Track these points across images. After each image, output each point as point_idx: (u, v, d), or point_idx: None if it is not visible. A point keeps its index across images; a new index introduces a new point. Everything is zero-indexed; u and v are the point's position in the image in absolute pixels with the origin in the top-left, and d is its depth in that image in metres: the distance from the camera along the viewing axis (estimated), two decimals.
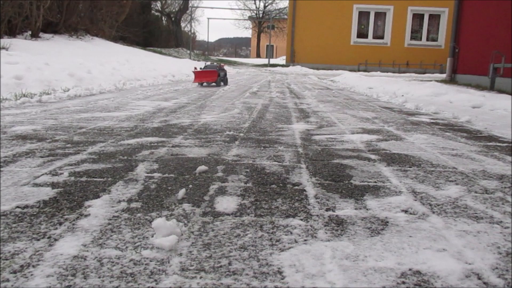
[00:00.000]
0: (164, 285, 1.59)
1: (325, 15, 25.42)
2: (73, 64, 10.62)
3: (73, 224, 2.10)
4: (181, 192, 2.58)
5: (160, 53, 26.92)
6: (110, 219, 2.18)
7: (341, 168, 3.34)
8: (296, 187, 2.81)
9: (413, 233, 2.10)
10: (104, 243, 1.91)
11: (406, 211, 2.41)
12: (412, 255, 1.87)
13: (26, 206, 2.33)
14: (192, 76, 12.80)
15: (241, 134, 4.67)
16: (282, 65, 28.18)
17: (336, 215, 2.31)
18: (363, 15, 25.88)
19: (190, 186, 2.77)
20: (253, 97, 9.39)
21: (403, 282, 1.65)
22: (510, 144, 4.58)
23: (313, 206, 2.45)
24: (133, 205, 2.40)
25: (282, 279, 1.64)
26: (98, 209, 2.30)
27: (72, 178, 2.87)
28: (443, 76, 16.74)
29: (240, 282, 1.62)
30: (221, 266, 1.73)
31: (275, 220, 2.23)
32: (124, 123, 5.18)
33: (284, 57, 31.45)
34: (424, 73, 22.08)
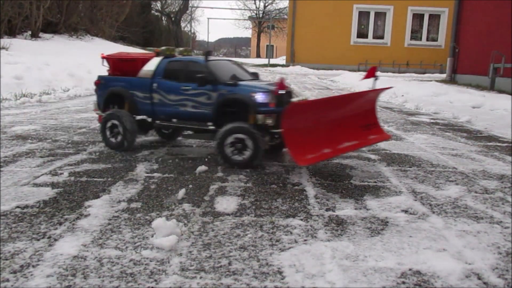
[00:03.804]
0: (164, 285, 1.59)
1: (325, 15, 25.44)
2: (73, 64, 10.60)
3: (73, 224, 2.10)
4: (181, 192, 2.58)
5: None
6: (110, 219, 2.18)
7: (341, 168, 3.35)
8: (296, 187, 2.82)
9: (413, 233, 2.11)
10: (104, 243, 1.91)
11: (406, 211, 2.41)
12: (412, 255, 1.88)
13: (26, 206, 2.33)
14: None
15: None
16: (282, 65, 28.19)
17: (336, 215, 2.32)
18: (363, 15, 25.91)
19: (190, 186, 2.77)
20: None
21: (403, 282, 1.65)
22: (510, 144, 4.58)
23: (313, 206, 2.45)
24: (133, 205, 2.40)
25: (282, 279, 1.64)
26: (98, 209, 2.31)
27: (72, 178, 2.87)
28: (443, 76, 16.77)
29: (240, 282, 1.62)
30: (221, 266, 1.73)
31: (275, 220, 2.23)
32: None
33: (284, 57, 31.48)
34: (424, 73, 22.13)
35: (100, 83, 3.84)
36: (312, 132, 3.07)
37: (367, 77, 3.48)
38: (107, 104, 3.80)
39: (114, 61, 3.92)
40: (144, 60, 3.75)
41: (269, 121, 3.21)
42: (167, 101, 3.53)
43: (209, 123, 3.40)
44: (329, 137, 3.14)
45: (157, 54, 3.75)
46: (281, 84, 3.30)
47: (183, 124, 3.56)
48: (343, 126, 3.25)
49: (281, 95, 3.28)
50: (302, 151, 2.95)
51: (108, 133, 3.66)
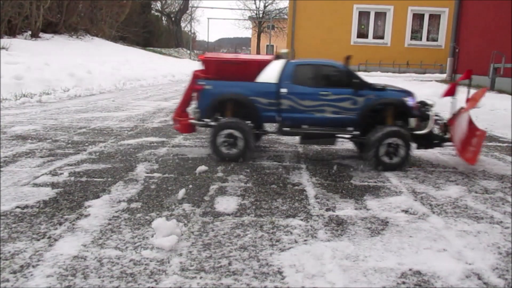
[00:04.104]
0: (164, 285, 1.59)
1: (325, 15, 25.45)
2: (73, 64, 10.61)
3: (73, 224, 2.10)
4: (181, 192, 2.58)
5: (160, 53, 26.93)
6: (110, 219, 2.18)
7: (341, 168, 3.34)
8: (296, 187, 2.81)
9: (413, 233, 2.11)
10: (104, 243, 1.91)
11: (406, 211, 2.41)
12: (412, 255, 1.88)
13: (26, 206, 2.33)
14: None
15: None
16: None
17: (336, 215, 2.32)
18: (363, 15, 25.91)
19: (190, 186, 2.77)
20: None
21: (403, 282, 1.65)
22: (510, 144, 4.58)
23: (313, 206, 2.45)
24: (133, 205, 2.40)
25: (282, 279, 1.64)
26: (98, 209, 2.30)
27: (72, 178, 2.87)
28: (444, 76, 16.74)
29: (240, 282, 1.62)
30: (221, 266, 1.73)
31: (275, 220, 2.23)
32: (124, 123, 5.18)
33: None
34: (424, 73, 22.12)
35: (205, 88, 3.40)
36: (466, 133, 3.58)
37: (463, 78, 3.80)
38: (213, 111, 3.44)
39: (217, 64, 3.53)
40: (260, 63, 3.50)
41: (415, 124, 3.38)
42: (300, 107, 3.35)
43: (350, 128, 3.36)
44: (468, 136, 3.63)
45: (277, 57, 3.56)
46: (452, 88, 3.63)
47: (314, 130, 3.41)
48: (469, 124, 3.83)
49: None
50: (465, 151, 3.38)
51: (220, 143, 3.35)
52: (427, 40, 25.91)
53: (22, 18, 14.87)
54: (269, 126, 4.32)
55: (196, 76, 3.54)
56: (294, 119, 3.38)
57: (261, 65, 3.49)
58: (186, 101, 3.61)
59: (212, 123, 3.39)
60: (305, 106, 3.34)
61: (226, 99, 3.39)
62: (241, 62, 3.56)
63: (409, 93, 3.40)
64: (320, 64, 3.45)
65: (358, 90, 3.29)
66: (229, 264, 1.74)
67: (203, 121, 3.47)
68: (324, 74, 3.38)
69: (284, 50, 3.76)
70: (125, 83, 10.64)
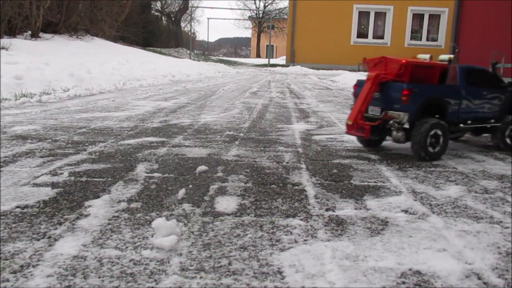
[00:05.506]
0: (164, 285, 1.59)
1: (325, 15, 25.46)
2: (73, 64, 10.61)
3: (73, 224, 2.10)
4: (181, 192, 2.58)
5: (160, 53, 26.91)
6: (110, 219, 2.18)
7: (341, 168, 3.35)
8: (296, 187, 2.82)
9: (413, 233, 2.11)
10: (104, 243, 1.91)
11: (406, 211, 2.41)
12: (412, 255, 1.88)
13: (26, 206, 2.33)
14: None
15: (241, 134, 4.67)
16: (282, 65, 28.20)
17: (336, 215, 2.32)
18: (363, 15, 25.93)
19: (190, 186, 2.77)
20: (253, 97, 9.40)
21: (403, 282, 1.65)
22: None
23: (313, 206, 2.45)
24: (133, 205, 2.40)
25: (282, 279, 1.64)
26: (98, 209, 2.30)
27: (72, 178, 2.87)
28: None
29: (240, 282, 1.62)
30: (221, 266, 1.73)
31: (275, 220, 2.23)
32: (124, 123, 5.18)
33: (284, 57, 31.45)
34: None
35: (413, 91, 3.60)
36: None
37: None
38: (421, 113, 3.67)
39: (413, 67, 3.71)
40: (441, 67, 3.90)
41: None
42: (472, 105, 3.92)
43: (492, 120, 4.09)
44: None
45: (450, 62, 3.94)
46: None
47: (473, 125, 4.04)
48: None
49: None
50: None
51: (428, 141, 3.60)
52: (427, 40, 25.91)
53: (22, 18, 14.87)
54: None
55: (380, 78, 3.70)
56: (465, 117, 3.92)
57: (442, 69, 3.88)
58: (366, 105, 3.77)
59: (423, 124, 3.59)
60: (475, 105, 3.92)
61: (431, 101, 3.71)
62: (431, 66, 3.89)
63: None
64: (479, 69, 4.09)
65: (503, 89, 4.03)
66: (229, 264, 1.74)
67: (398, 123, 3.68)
68: (483, 77, 4.03)
69: (446, 56, 4.06)
70: (125, 83, 10.63)
